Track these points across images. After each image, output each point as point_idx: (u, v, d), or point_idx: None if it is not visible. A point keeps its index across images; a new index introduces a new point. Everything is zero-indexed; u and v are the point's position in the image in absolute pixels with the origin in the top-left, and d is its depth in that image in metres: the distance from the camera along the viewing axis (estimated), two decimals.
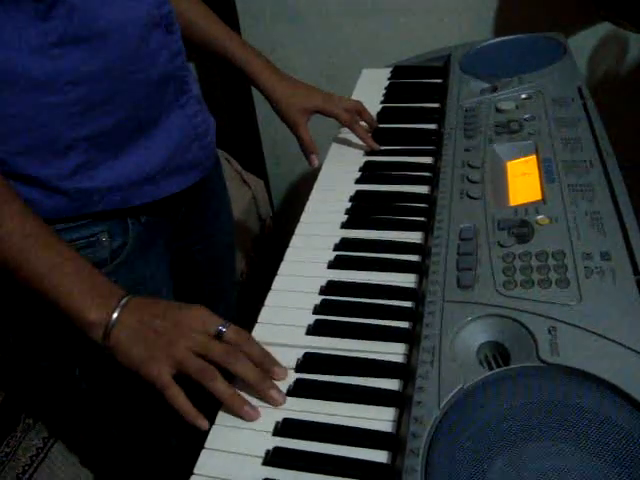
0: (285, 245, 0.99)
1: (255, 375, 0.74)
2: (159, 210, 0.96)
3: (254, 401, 0.74)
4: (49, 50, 0.75)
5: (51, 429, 1.22)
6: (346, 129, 1.23)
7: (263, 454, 0.69)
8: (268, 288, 0.91)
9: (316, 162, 1.19)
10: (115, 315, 0.75)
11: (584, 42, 1.81)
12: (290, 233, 1.01)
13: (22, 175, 0.79)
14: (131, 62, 0.82)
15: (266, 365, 0.76)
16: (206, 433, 0.72)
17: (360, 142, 1.20)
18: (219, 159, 1.18)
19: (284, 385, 0.76)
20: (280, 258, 0.96)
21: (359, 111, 1.23)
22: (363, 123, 1.23)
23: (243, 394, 0.74)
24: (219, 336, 0.75)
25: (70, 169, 0.82)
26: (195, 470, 0.68)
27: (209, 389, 0.72)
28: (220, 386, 0.72)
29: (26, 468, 1.16)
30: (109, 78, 0.80)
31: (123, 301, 0.76)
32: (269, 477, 0.66)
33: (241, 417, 0.72)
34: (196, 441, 0.72)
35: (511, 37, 1.38)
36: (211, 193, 1.12)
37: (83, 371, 0.96)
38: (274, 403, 0.73)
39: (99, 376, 0.97)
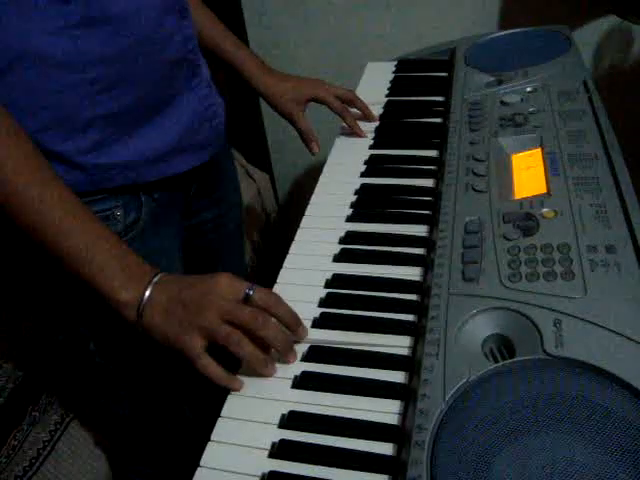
0: (290, 239, 0.99)
1: (281, 337, 0.76)
2: (171, 187, 0.98)
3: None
4: (69, 31, 0.77)
5: (63, 414, 1.23)
6: None
7: (269, 446, 0.69)
8: (273, 281, 0.91)
9: (316, 149, 1.23)
10: (147, 295, 0.77)
11: (590, 35, 1.81)
12: (295, 227, 1.01)
13: (43, 150, 0.80)
14: (147, 45, 0.86)
15: (293, 325, 0.79)
16: (219, 409, 0.75)
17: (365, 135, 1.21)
18: (228, 144, 1.20)
19: (287, 381, 0.77)
20: (285, 252, 0.96)
21: (351, 99, 1.25)
22: (356, 110, 1.26)
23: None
24: (247, 299, 0.76)
25: (89, 145, 0.84)
26: (201, 462, 0.69)
27: (238, 353, 0.75)
28: (248, 350, 0.75)
29: (33, 461, 1.17)
30: (126, 60, 0.84)
31: (154, 280, 0.78)
32: (275, 469, 0.66)
33: (265, 376, 0.76)
34: (210, 414, 0.75)
35: (516, 30, 1.38)
36: (221, 173, 1.16)
37: (98, 345, 0.98)
38: (291, 362, 0.78)
39: (113, 350, 0.99)
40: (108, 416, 1.18)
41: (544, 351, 0.67)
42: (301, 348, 0.80)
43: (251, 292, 0.76)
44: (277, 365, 0.78)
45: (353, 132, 1.23)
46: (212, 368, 0.75)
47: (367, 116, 1.27)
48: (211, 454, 0.69)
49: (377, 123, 1.25)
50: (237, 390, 0.76)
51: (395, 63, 1.47)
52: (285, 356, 0.78)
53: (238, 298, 0.76)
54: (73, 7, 0.77)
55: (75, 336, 0.98)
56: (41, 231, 0.75)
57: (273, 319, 0.77)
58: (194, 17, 1.10)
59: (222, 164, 1.16)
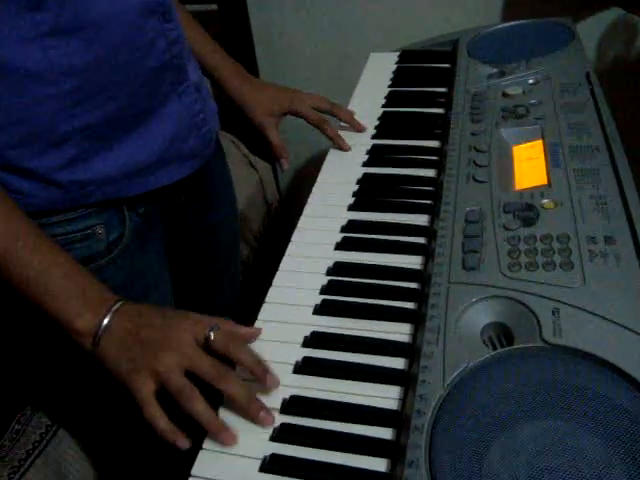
0: (292, 228, 1.00)
1: (244, 394, 0.70)
2: (157, 200, 0.95)
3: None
4: (41, 41, 0.73)
5: (48, 425, 1.21)
6: None
7: (270, 431, 0.70)
8: (275, 271, 0.92)
9: (286, 165, 1.19)
10: (104, 324, 0.73)
11: (593, 27, 1.81)
12: (297, 217, 1.02)
13: (16, 167, 0.78)
14: (126, 52, 0.81)
15: (259, 371, 0.73)
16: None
17: (366, 125, 1.21)
18: (221, 147, 1.17)
19: (289, 366, 0.77)
20: (287, 241, 0.97)
21: (331, 110, 1.20)
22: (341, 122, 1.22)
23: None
24: (207, 341, 0.72)
25: (64, 160, 0.80)
26: (204, 445, 0.69)
27: (186, 410, 0.69)
28: (198, 408, 0.69)
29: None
30: (104, 68, 0.79)
31: (113, 308, 0.74)
32: (276, 452, 0.67)
33: (220, 442, 0.69)
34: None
35: (519, 22, 1.38)
36: (212, 181, 1.11)
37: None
38: (263, 425, 0.70)
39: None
40: (99, 422, 1.15)
41: (542, 339, 0.68)
42: (302, 334, 0.80)
43: (212, 333, 0.72)
44: (277, 346, 0.79)
45: (336, 145, 1.17)
46: (158, 420, 0.69)
47: (353, 126, 1.21)
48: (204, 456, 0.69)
49: (380, 113, 1.25)
50: (182, 448, 0.69)
51: (398, 54, 1.47)
52: (255, 417, 0.70)
53: (199, 341, 0.72)
54: (44, 15, 0.72)
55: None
56: None
57: (234, 374, 0.72)
58: None
59: (214, 170, 1.10)
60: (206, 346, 0.72)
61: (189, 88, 0.94)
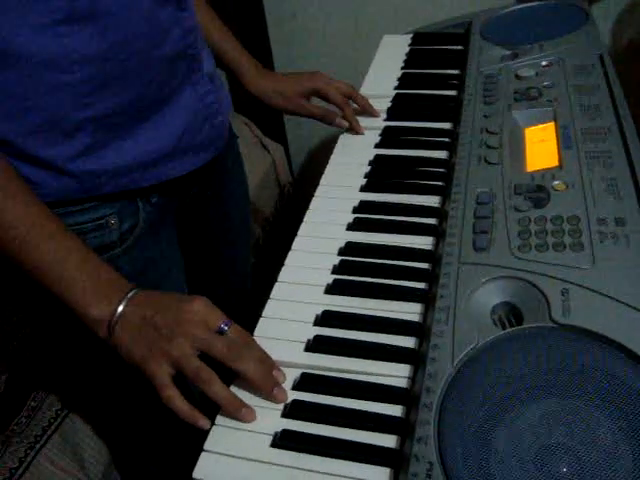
0: (304, 210, 1.00)
1: (258, 372, 0.72)
2: (170, 190, 0.95)
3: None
4: (55, 28, 0.72)
5: (58, 410, 1.21)
6: None
7: (282, 407, 0.71)
8: (287, 251, 0.92)
9: (344, 122, 1.18)
10: (118, 312, 0.73)
11: (608, 10, 1.80)
12: (309, 198, 1.02)
13: (29, 156, 0.78)
14: (140, 40, 0.80)
15: (267, 366, 0.74)
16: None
17: (378, 108, 1.21)
18: (234, 136, 1.17)
19: (300, 344, 0.78)
20: (299, 222, 0.98)
21: (351, 94, 1.21)
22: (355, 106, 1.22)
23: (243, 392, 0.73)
24: (221, 333, 0.73)
25: (78, 150, 0.80)
26: (205, 446, 0.69)
27: (204, 391, 0.70)
28: (216, 388, 0.70)
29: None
30: (117, 57, 0.78)
31: (127, 296, 0.75)
32: (287, 428, 0.69)
33: (238, 420, 0.70)
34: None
35: (533, 4, 1.37)
36: (225, 171, 1.11)
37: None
38: (276, 401, 0.72)
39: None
40: (112, 407, 1.15)
41: (551, 319, 0.69)
42: (314, 312, 0.81)
43: (226, 327, 0.73)
44: (289, 325, 0.80)
45: (351, 129, 1.18)
46: (176, 402, 0.71)
47: (369, 112, 1.21)
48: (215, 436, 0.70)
49: (392, 95, 1.26)
50: (203, 428, 0.70)
51: (411, 36, 1.47)
52: (268, 393, 0.71)
53: (212, 327, 0.73)
54: (59, 1, 0.71)
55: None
56: (6, 245, 0.72)
57: (248, 352, 0.73)
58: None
59: (226, 159, 1.10)
60: (219, 334, 0.73)
61: (203, 78, 0.93)
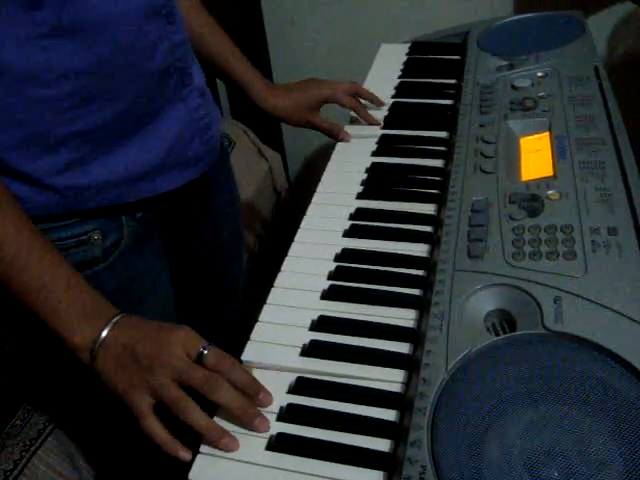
0: (300, 217, 1.01)
1: (237, 403, 0.70)
2: (156, 205, 0.93)
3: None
4: (39, 41, 0.71)
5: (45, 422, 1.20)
6: None
7: (277, 410, 0.72)
8: (282, 259, 0.93)
9: (348, 138, 1.19)
10: (100, 339, 0.72)
11: (604, 21, 1.81)
12: (305, 206, 1.03)
13: (11, 170, 0.77)
14: (128, 54, 0.79)
15: (250, 391, 0.72)
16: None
17: (375, 116, 1.22)
18: (225, 150, 1.16)
19: (297, 348, 0.79)
20: (295, 230, 0.98)
21: (357, 91, 1.23)
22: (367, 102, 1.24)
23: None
24: (200, 359, 0.71)
25: (61, 165, 0.79)
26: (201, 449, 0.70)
27: (184, 421, 0.69)
28: (195, 417, 0.69)
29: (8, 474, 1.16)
30: (104, 71, 0.77)
31: (110, 323, 0.73)
32: (282, 432, 0.69)
33: (220, 449, 0.68)
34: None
35: (530, 15, 1.39)
36: (215, 186, 1.09)
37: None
38: (258, 431, 0.70)
39: None
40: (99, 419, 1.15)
41: (544, 326, 0.70)
42: (310, 318, 0.82)
43: (205, 351, 0.71)
44: (285, 330, 0.80)
45: (370, 124, 1.21)
46: (156, 431, 0.70)
47: (376, 103, 1.25)
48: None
49: (389, 104, 1.27)
50: (184, 460, 0.69)
51: (409, 45, 1.48)
52: (249, 424, 0.69)
53: (191, 356, 0.71)
54: (44, 14, 0.70)
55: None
56: None
57: (227, 384, 0.70)
58: (195, 25, 1.04)
59: (217, 174, 1.08)
60: (198, 361, 0.71)
61: (193, 92, 0.92)
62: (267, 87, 1.20)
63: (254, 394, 0.71)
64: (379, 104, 1.25)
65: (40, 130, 0.76)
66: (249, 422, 0.70)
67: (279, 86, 1.24)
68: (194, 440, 0.70)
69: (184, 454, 0.69)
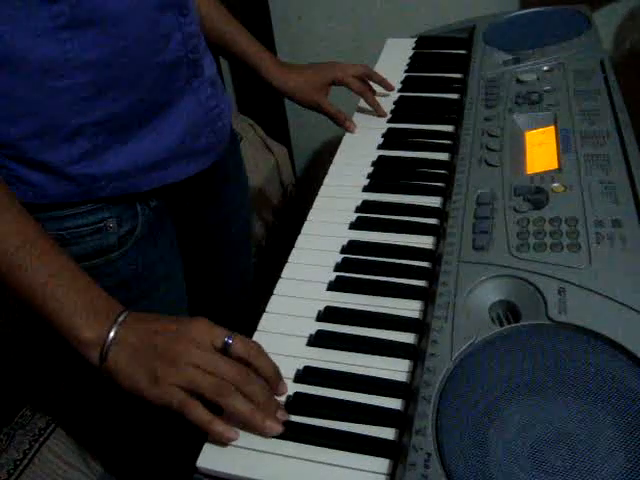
0: (307, 210, 1.02)
1: (265, 398, 0.68)
2: (169, 195, 0.95)
3: None
4: (57, 33, 0.72)
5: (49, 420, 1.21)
6: None
7: (284, 399, 0.73)
8: (289, 252, 0.94)
9: (352, 126, 1.20)
10: (112, 333, 0.69)
11: (610, 16, 1.81)
12: (312, 199, 1.04)
13: (29, 159, 0.78)
14: (142, 46, 0.80)
15: (274, 379, 0.71)
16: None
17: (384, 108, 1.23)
18: (236, 140, 1.18)
19: (303, 339, 0.80)
20: (302, 223, 0.99)
21: (368, 75, 1.25)
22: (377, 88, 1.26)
23: None
24: (226, 349, 0.69)
25: (77, 154, 0.80)
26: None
27: (227, 407, 0.67)
28: (239, 403, 0.67)
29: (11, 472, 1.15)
30: (119, 63, 0.79)
31: (121, 318, 0.71)
32: (290, 419, 0.70)
33: (264, 433, 0.68)
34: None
35: (536, 9, 1.39)
36: (226, 176, 1.11)
37: None
38: (269, 432, 0.68)
39: None
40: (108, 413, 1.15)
41: (548, 317, 0.70)
42: (317, 308, 0.83)
43: (230, 341, 0.69)
44: (292, 320, 0.81)
45: (376, 110, 1.23)
46: (205, 416, 0.67)
47: (385, 87, 1.27)
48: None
49: (396, 98, 1.28)
50: (234, 440, 0.67)
51: (415, 40, 1.49)
52: (268, 416, 0.68)
53: (217, 347, 0.69)
54: (61, 6, 0.71)
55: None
56: None
57: (256, 377, 0.69)
58: (206, 11, 1.06)
59: (227, 164, 1.09)
60: (224, 352, 0.70)
61: (204, 83, 0.93)
62: (278, 64, 1.22)
63: (278, 380, 0.72)
64: (390, 88, 1.27)
65: (57, 120, 0.77)
66: (271, 415, 0.68)
67: (291, 64, 1.26)
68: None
69: (234, 434, 0.67)
